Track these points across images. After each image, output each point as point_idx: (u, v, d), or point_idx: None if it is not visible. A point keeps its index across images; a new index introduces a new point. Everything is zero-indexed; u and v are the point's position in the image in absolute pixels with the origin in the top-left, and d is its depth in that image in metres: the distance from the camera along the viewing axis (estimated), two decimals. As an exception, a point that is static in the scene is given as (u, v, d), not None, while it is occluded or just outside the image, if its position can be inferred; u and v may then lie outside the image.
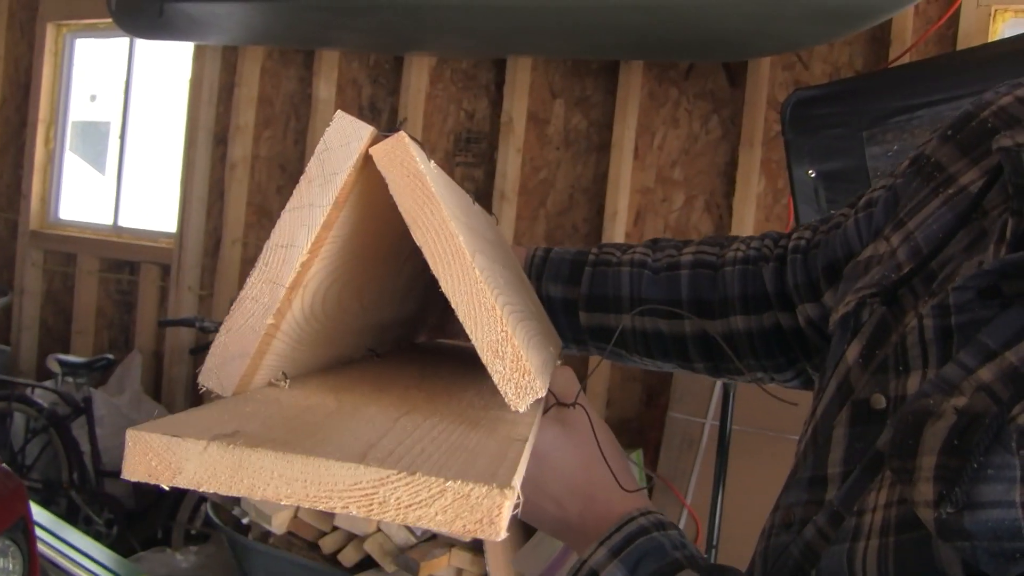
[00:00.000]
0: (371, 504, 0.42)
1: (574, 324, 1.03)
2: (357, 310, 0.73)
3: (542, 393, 0.58)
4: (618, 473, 0.75)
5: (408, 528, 2.46)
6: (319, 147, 0.54)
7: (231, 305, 0.56)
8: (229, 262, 4.43)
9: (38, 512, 2.53)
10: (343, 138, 0.54)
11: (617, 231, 3.52)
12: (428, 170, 0.55)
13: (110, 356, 4.41)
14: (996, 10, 3.02)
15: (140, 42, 4.85)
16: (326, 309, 0.64)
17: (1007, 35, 2.98)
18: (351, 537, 2.55)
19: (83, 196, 5.35)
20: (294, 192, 0.54)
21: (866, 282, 0.72)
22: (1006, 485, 0.48)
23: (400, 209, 0.55)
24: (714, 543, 2.60)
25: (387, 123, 4.08)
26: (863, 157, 2.44)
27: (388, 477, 0.42)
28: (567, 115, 3.74)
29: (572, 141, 3.73)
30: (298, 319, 0.59)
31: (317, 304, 0.61)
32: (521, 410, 0.57)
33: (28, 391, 4.23)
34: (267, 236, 0.55)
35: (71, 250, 4.96)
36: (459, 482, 0.41)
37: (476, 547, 2.45)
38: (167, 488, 0.44)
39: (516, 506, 0.43)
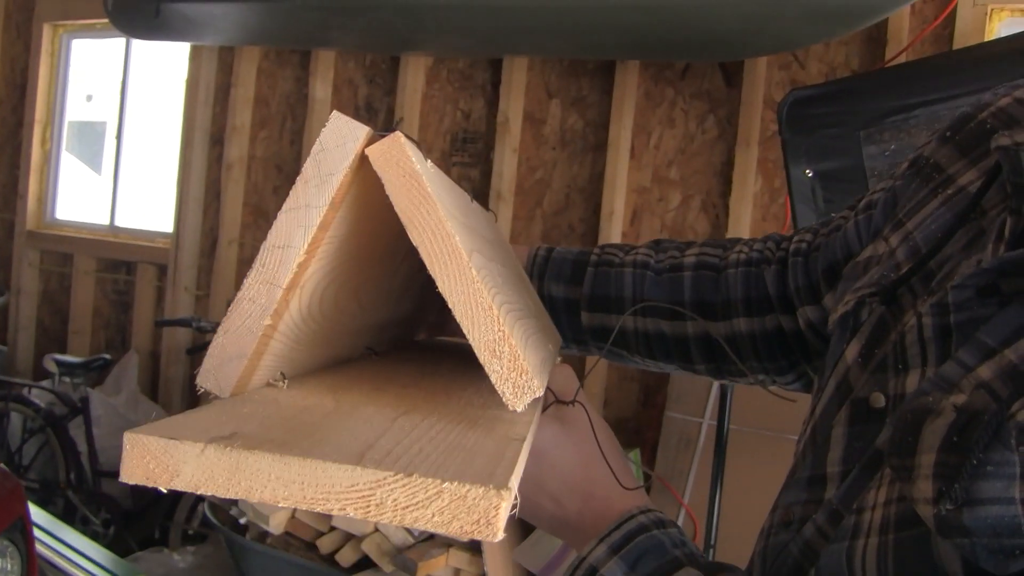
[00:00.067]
0: (368, 506, 0.42)
1: (575, 324, 1.03)
2: (355, 310, 0.73)
3: (540, 392, 0.58)
4: (617, 471, 0.75)
5: (406, 528, 2.46)
6: (315, 148, 0.54)
7: (228, 305, 0.56)
8: (225, 262, 4.43)
9: (35, 512, 2.52)
10: (339, 139, 0.54)
11: (613, 231, 3.52)
12: (424, 170, 0.55)
13: (107, 356, 4.41)
14: (992, 9, 3.03)
15: (136, 42, 4.85)
16: (323, 309, 0.64)
17: (1003, 34, 2.99)
18: (349, 537, 2.55)
19: (79, 196, 5.34)
20: (290, 193, 0.54)
21: (865, 282, 0.72)
22: (1005, 482, 0.48)
23: (396, 209, 0.55)
24: (712, 543, 2.60)
25: (383, 123, 4.08)
26: (860, 156, 2.44)
27: (385, 479, 0.42)
28: (563, 115, 3.74)
29: (568, 141, 3.73)
30: (295, 320, 0.59)
31: (315, 304, 0.61)
32: (519, 409, 0.57)
33: (25, 391, 4.22)
34: (263, 236, 0.55)
35: (68, 250, 4.96)
36: (456, 483, 0.41)
37: (474, 547, 2.45)
38: (164, 491, 0.44)
39: (513, 507, 0.43)
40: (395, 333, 0.98)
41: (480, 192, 3.79)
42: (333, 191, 0.54)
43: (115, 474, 3.72)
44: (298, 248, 0.54)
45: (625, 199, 3.55)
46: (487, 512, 0.41)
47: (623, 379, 3.58)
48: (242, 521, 2.72)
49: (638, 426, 3.53)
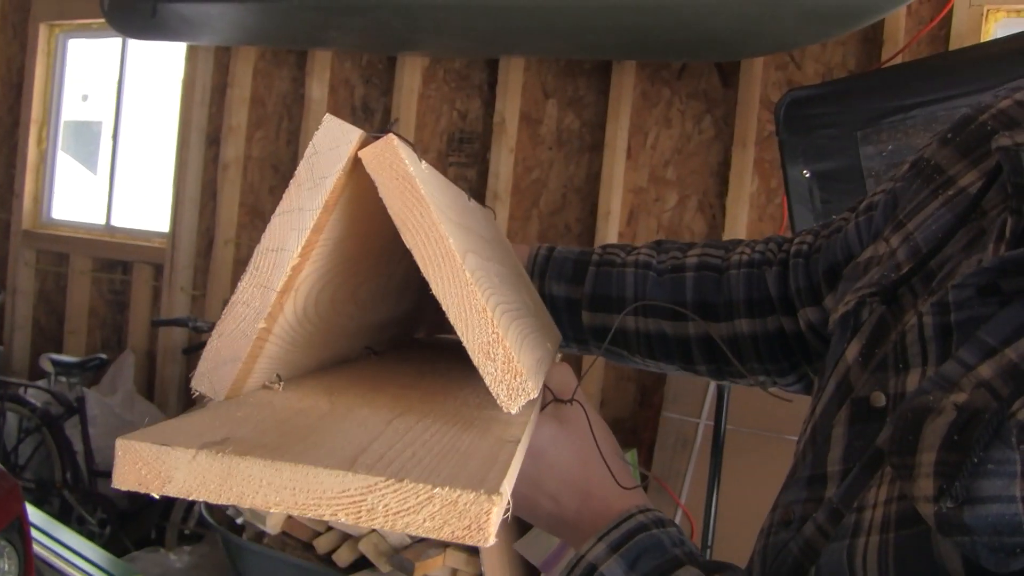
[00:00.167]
0: (360, 511, 0.41)
1: (576, 323, 1.03)
2: (352, 310, 0.73)
3: (534, 395, 0.58)
4: (615, 470, 0.75)
5: (402, 528, 2.45)
6: (308, 151, 0.54)
7: (224, 306, 0.56)
8: (222, 262, 4.43)
9: (32, 512, 2.52)
10: (332, 142, 0.54)
11: (610, 231, 3.52)
12: (418, 172, 0.55)
13: (103, 356, 4.40)
14: (988, 10, 3.03)
15: (133, 42, 4.84)
16: (319, 311, 0.63)
17: (1000, 35, 2.99)
18: (346, 537, 2.55)
19: (75, 196, 5.34)
20: (283, 196, 0.54)
21: (866, 282, 0.72)
22: (1006, 480, 0.48)
23: (390, 212, 0.54)
24: (709, 543, 2.60)
25: (380, 123, 4.08)
26: (857, 157, 2.45)
27: (376, 484, 0.41)
28: (560, 115, 3.74)
29: (565, 141, 3.73)
30: (291, 322, 0.59)
31: (310, 306, 0.61)
32: (513, 412, 0.57)
33: (21, 391, 4.21)
34: (260, 236, 0.55)
35: (64, 250, 4.95)
36: (447, 488, 0.41)
37: (471, 547, 2.45)
38: (156, 496, 0.44)
39: (506, 511, 0.43)
40: (395, 332, 0.98)
41: (477, 192, 3.79)
42: (326, 194, 0.54)
43: (111, 474, 3.72)
44: (292, 251, 0.54)
45: (622, 199, 3.55)
46: (478, 517, 0.41)
47: (620, 379, 3.58)
48: (239, 521, 2.72)
49: (635, 426, 3.53)
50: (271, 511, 0.42)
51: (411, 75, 3.98)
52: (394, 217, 0.54)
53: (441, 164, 3.95)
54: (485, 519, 0.41)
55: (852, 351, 0.69)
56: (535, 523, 0.78)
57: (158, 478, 0.44)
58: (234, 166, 4.40)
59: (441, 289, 0.54)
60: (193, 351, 3.80)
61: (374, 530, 2.49)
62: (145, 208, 5.02)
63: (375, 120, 4.12)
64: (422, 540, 2.50)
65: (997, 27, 3.05)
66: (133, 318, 4.74)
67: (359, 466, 0.43)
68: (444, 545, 2.46)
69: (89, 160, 5.47)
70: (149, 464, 0.44)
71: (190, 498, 0.43)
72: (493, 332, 0.55)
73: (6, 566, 2.22)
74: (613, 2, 2.92)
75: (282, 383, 0.61)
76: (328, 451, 0.45)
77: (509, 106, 3.75)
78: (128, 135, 5.03)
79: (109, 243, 4.85)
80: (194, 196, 4.55)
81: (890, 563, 0.55)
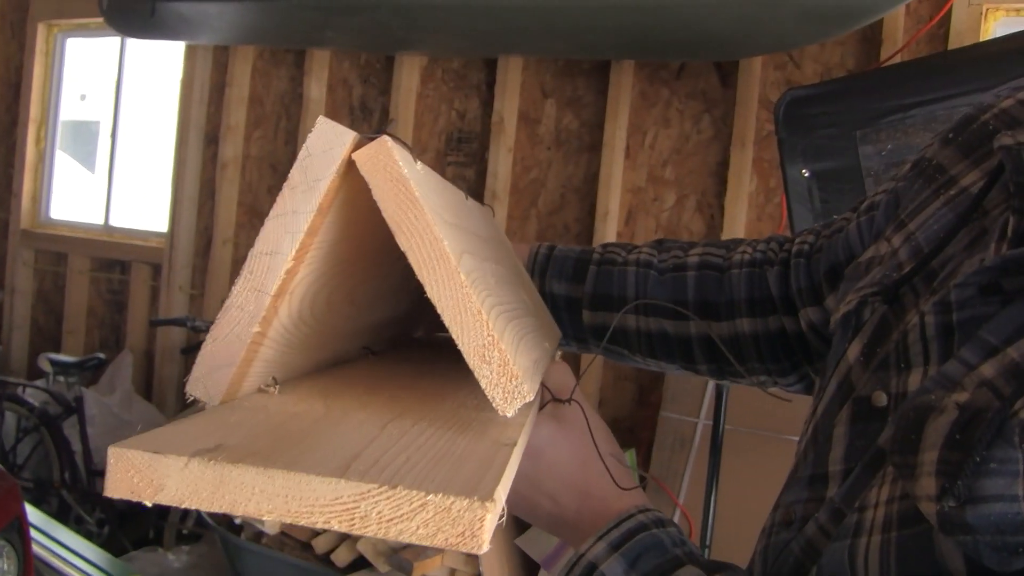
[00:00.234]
0: (353, 519, 0.41)
1: (576, 322, 1.03)
2: (349, 312, 0.73)
3: (531, 398, 0.57)
4: (614, 470, 0.75)
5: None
6: (301, 153, 0.54)
7: (221, 307, 0.56)
8: (220, 262, 4.42)
9: (31, 512, 2.52)
10: (325, 144, 0.54)
11: (608, 231, 3.52)
12: (412, 173, 0.55)
13: (101, 355, 4.40)
14: (988, 9, 3.02)
15: (131, 42, 4.84)
16: (315, 313, 0.63)
17: (999, 34, 2.99)
18: (344, 537, 2.54)
19: (74, 195, 5.33)
20: (277, 199, 0.54)
21: (867, 281, 0.72)
22: (1009, 479, 0.48)
23: (384, 214, 0.54)
24: (707, 543, 2.60)
25: (378, 123, 4.08)
26: (857, 156, 2.44)
27: (369, 491, 0.41)
28: (558, 115, 3.74)
29: (563, 141, 3.72)
30: (286, 325, 0.59)
31: (306, 309, 0.61)
32: (509, 415, 0.57)
33: (19, 390, 4.21)
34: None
35: (62, 249, 4.95)
36: (440, 495, 0.41)
37: (469, 547, 2.44)
38: (149, 504, 0.43)
39: (501, 516, 0.42)
40: (394, 331, 0.98)
41: (475, 192, 3.79)
42: (320, 197, 0.53)
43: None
44: (286, 254, 0.54)
45: (620, 199, 3.55)
46: (472, 524, 0.40)
47: (618, 378, 3.58)
48: (237, 520, 2.71)
49: (633, 426, 3.53)
50: (264, 519, 0.41)
51: (409, 75, 3.97)
52: (388, 219, 0.54)
53: (439, 164, 3.95)
54: (479, 526, 0.40)
55: (854, 351, 0.69)
56: (534, 523, 0.78)
57: (150, 486, 0.43)
58: (232, 165, 4.40)
59: (436, 292, 0.54)
60: (191, 351, 3.79)
61: (372, 530, 2.48)
62: (143, 208, 5.02)
63: (373, 120, 4.12)
64: (420, 540, 2.49)
65: (996, 26, 3.05)
66: (131, 318, 4.74)
67: (352, 473, 0.42)
68: (442, 545, 2.45)
69: (87, 159, 5.46)
70: (141, 472, 0.43)
71: (182, 506, 0.43)
72: (488, 335, 0.54)
73: (6, 566, 2.21)
74: (612, 2, 2.92)
75: (278, 386, 0.61)
76: (321, 457, 0.45)
77: (507, 106, 3.74)
78: (126, 134, 5.02)
79: (107, 243, 4.84)
80: (192, 195, 4.55)
81: (892, 563, 0.54)
